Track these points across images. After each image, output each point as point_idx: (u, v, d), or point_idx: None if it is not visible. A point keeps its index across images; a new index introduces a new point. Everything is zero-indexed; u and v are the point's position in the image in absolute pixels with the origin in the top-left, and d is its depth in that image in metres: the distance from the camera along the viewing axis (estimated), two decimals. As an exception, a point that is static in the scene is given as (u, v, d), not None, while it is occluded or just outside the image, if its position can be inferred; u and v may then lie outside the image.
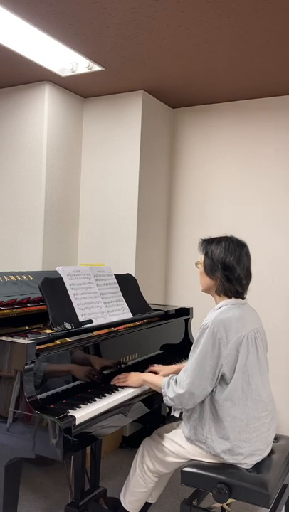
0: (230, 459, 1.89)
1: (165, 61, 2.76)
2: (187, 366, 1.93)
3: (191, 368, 1.89)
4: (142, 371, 2.28)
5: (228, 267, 1.98)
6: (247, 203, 3.39)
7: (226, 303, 1.99)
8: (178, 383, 1.92)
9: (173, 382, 1.95)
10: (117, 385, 2.13)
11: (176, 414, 1.99)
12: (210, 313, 2.00)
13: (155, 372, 2.30)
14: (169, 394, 1.94)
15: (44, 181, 3.19)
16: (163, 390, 1.98)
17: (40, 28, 2.39)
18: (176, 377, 1.95)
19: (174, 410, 1.98)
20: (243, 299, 2.06)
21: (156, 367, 2.34)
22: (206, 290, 2.08)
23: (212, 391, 1.91)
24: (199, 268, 2.10)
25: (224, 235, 2.09)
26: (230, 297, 2.02)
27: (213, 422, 1.90)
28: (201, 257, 2.09)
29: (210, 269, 2.03)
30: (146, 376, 2.12)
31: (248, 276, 2.04)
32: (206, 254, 2.05)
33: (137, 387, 2.13)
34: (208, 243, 2.07)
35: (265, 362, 2.01)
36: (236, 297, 2.03)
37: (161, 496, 2.30)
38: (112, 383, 2.14)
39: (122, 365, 2.28)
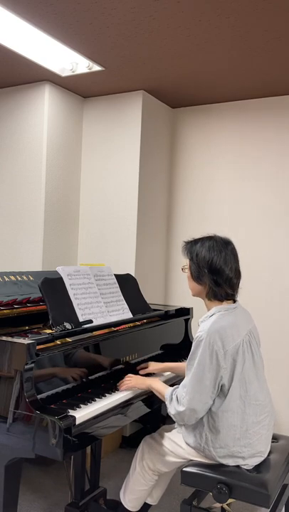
0: (230, 463, 1.88)
1: (165, 61, 2.76)
2: (185, 381, 1.88)
3: (190, 384, 1.84)
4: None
5: (216, 270, 1.90)
6: (247, 203, 3.39)
7: (218, 309, 1.93)
8: (178, 400, 1.87)
9: (175, 398, 1.90)
10: (121, 388, 2.09)
11: (180, 432, 1.97)
12: (202, 322, 1.94)
13: (149, 374, 2.30)
14: (171, 410, 1.90)
15: (44, 181, 3.19)
16: (166, 403, 1.95)
17: (40, 28, 2.39)
18: (177, 393, 1.90)
19: (178, 426, 1.95)
20: (234, 300, 1.99)
21: (149, 363, 2.33)
22: (196, 295, 2.02)
23: None
24: (186, 273, 2.02)
25: (207, 235, 2.00)
26: (221, 301, 1.95)
27: (210, 433, 1.87)
28: (186, 262, 2.01)
29: (197, 274, 1.95)
30: (153, 383, 2.06)
31: (237, 276, 1.96)
32: (190, 260, 1.97)
33: (142, 389, 2.11)
34: (191, 246, 1.98)
35: (260, 362, 1.98)
36: (227, 299, 1.96)
37: (161, 496, 2.29)
38: (118, 386, 2.11)
39: (122, 365, 2.28)
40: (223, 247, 1.94)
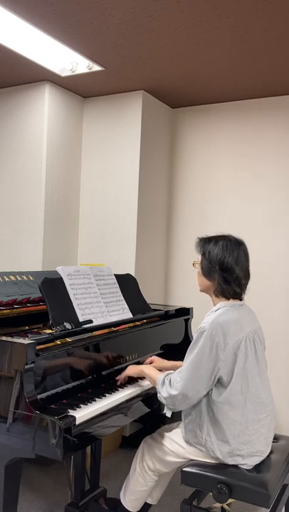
0: (230, 461, 1.88)
1: (165, 61, 2.76)
2: (182, 367, 1.91)
3: (186, 370, 1.87)
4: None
5: (227, 268, 1.94)
6: (247, 202, 3.39)
7: (224, 305, 1.96)
8: (172, 384, 1.90)
9: (168, 382, 1.93)
10: (118, 379, 2.14)
11: (168, 414, 1.97)
12: (207, 315, 1.97)
13: (150, 362, 2.31)
14: (163, 393, 1.93)
15: (44, 181, 3.19)
16: (157, 387, 1.97)
17: (40, 28, 2.39)
18: (171, 377, 1.93)
19: (167, 409, 1.96)
20: (241, 299, 2.03)
21: (154, 358, 2.33)
22: (204, 290, 2.05)
23: (208, 393, 1.89)
24: (196, 268, 2.06)
25: (221, 234, 2.04)
26: (228, 298, 1.99)
27: (212, 424, 1.89)
28: (198, 257, 2.05)
29: (207, 270, 1.99)
30: (145, 368, 2.11)
31: (246, 276, 2.00)
32: (203, 255, 2.01)
33: (135, 377, 2.16)
34: (205, 242, 2.02)
35: (263, 361, 2.00)
36: (234, 298, 2.00)
37: (161, 496, 2.29)
38: (118, 383, 2.14)
39: (122, 365, 2.28)
40: (236, 247, 1.98)
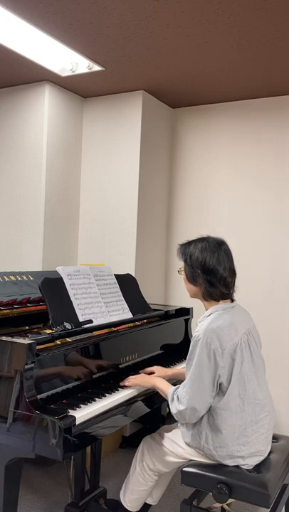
0: (230, 463, 1.88)
1: (165, 61, 2.76)
2: (186, 381, 1.90)
3: (189, 383, 1.86)
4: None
5: (209, 270, 1.92)
6: (247, 203, 3.39)
7: (216, 309, 1.94)
8: (179, 399, 1.89)
9: (176, 398, 1.91)
10: (127, 384, 2.11)
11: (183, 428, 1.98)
12: (200, 322, 1.95)
13: (151, 372, 2.29)
14: (173, 410, 1.92)
15: (44, 181, 3.19)
16: (168, 402, 1.96)
17: (40, 28, 2.39)
18: (178, 392, 1.92)
19: (180, 424, 1.96)
20: (231, 300, 2.01)
21: (155, 368, 2.30)
22: (193, 296, 2.04)
23: None
24: (182, 275, 2.05)
25: (200, 237, 2.02)
26: (217, 300, 1.97)
27: (210, 431, 1.88)
28: (182, 264, 2.04)
29: (191, 275, 1.98)
30: (157, 382, 2.08)
31: (232, 275, 1.97)
32: (185, 261, 2.00)
33: (146, 387, 2.13)
34: (185, 248, 2.01)
35: (260, 362, 1.98)
36: (224, 299, 1.98)
37: (161, 496, 2.30)
38: (121, 384, 2.13)
39: (122, 366, 2.28)
40: (216, 247, 1.96)
